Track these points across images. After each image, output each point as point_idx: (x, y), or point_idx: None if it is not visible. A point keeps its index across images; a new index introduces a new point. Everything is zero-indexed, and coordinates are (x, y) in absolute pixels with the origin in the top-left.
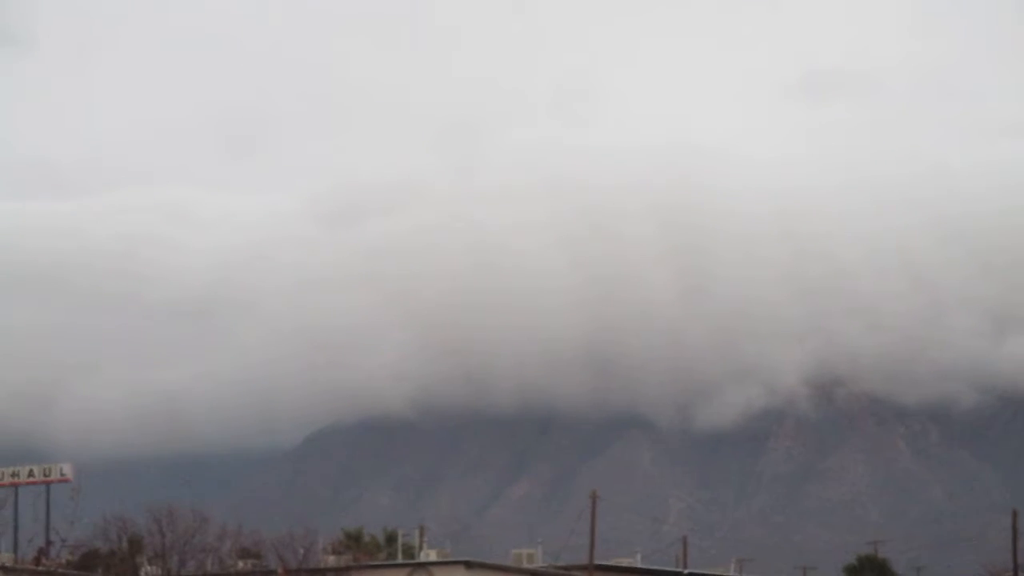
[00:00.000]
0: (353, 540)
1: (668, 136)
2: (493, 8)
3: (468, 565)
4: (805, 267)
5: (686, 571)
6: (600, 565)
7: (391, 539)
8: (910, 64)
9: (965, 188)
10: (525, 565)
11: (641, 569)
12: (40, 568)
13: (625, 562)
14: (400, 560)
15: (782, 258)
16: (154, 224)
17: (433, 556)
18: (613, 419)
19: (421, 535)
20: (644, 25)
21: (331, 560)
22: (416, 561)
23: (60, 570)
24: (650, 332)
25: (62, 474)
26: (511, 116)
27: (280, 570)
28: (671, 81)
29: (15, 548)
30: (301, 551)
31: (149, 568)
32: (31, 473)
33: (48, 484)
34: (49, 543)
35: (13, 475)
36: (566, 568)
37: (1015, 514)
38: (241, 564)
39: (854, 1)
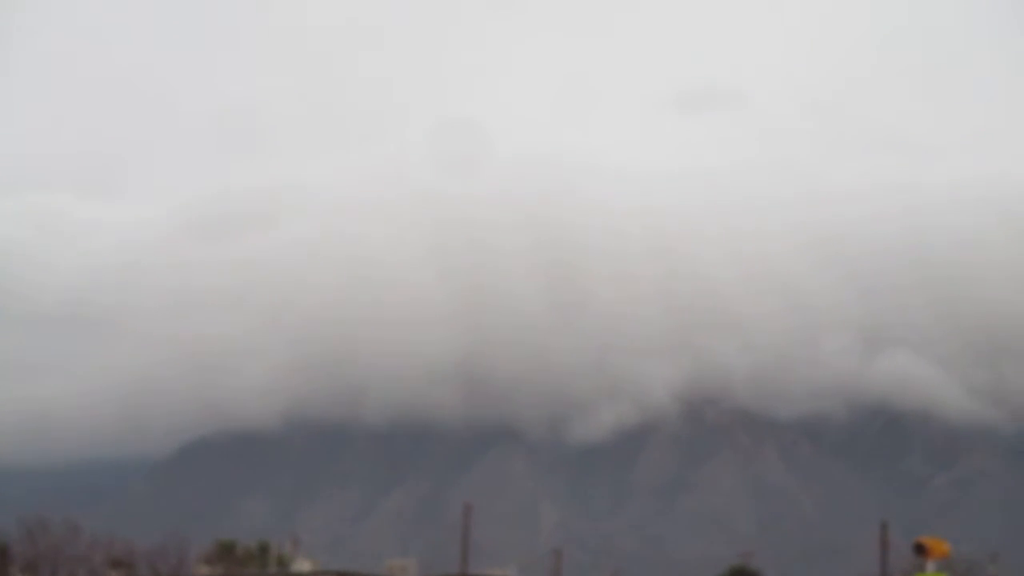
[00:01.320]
0: (226, 550)
1: (541, 150)
2: (372, 19)
3: None
4: (678, 285)
5: None
6: None
7: (264, 550)
8: (783, 81)
9: (838, 211)
10: None
11: None
12: None
13: (499, 573)
14: (273, 570)
15: (655, 275)
16: (22, 234)
17: (307, 567)
18: (486, 432)
19: (295, 546)
20: (518, 37)
21: (204, 570)
22: (289, 572)
23: None
24: (522, 348)
25: None
26: (384, 128)
27: None
28: (546, 94)
29: None
30: (174, 561)
31: None
32: None
33: None
34: None
35: None
36: None
37: (884, 526)
38: (113, 574)
39: (727, 19)
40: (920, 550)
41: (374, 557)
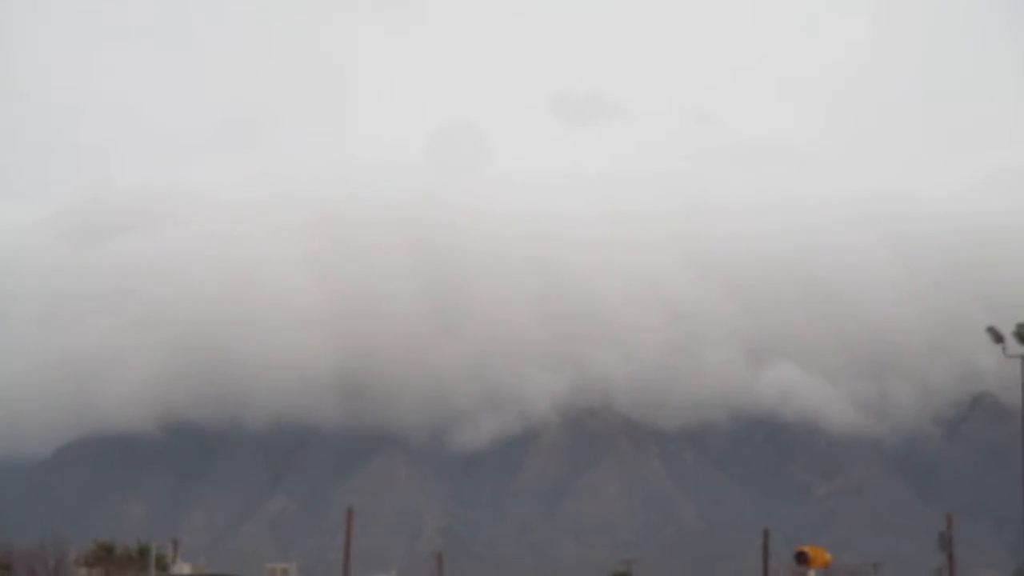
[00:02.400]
0: (106, 552)
1: (420, 156)
2: (249, 25)
3: None
4: (559, 294)
5: None
6: None
7: (144, 552)
8: (666, 92)
9: (720, 223)
10: None
11: None
12: None
13: None
14: (153, 573)
15: (536, 284)
16: None
17: (187, 570)
18: (368, 438)
19: (175, 549)
20: (395, 43)
21: (83, 572)
22: (169, 574)
23: None
24: (402, 356)
25: None
26: (264, 131)
27: None
28: (424, 102)
29: None
30: (52, 563)
31: None
32: None
33: None
34: None
35: None
36: None
37: (766, 534)
38: None
39: (610, 29)
40: (802, 559)
41: (255, 561)
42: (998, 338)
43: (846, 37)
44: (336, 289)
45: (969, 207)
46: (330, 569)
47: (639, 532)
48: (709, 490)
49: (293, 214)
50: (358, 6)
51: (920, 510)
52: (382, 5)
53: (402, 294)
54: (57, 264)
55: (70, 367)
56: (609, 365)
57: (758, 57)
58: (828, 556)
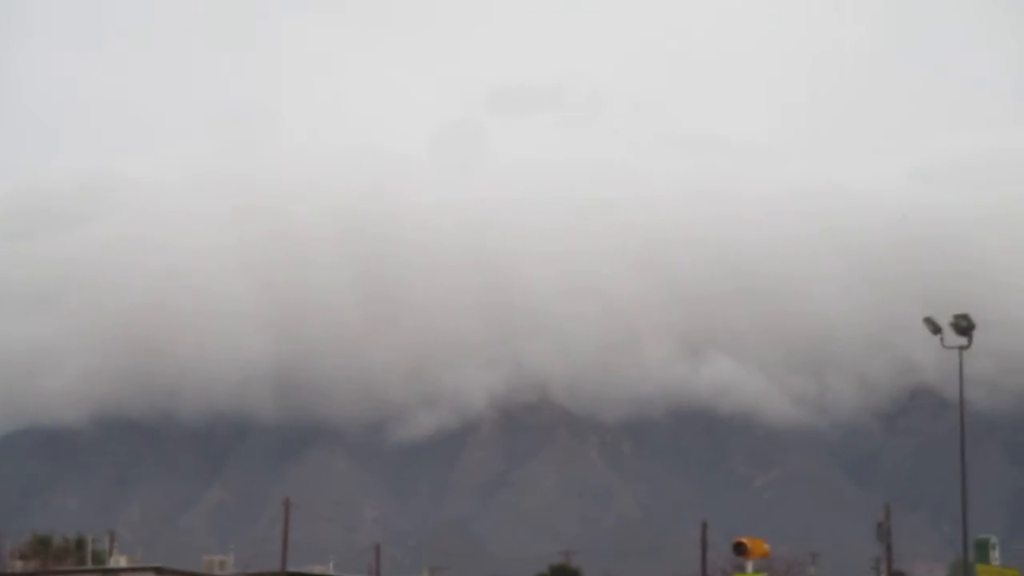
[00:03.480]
0: (42, 545)
1: (355, 148)
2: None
3: (159, 571)
4: (494, 283)
5: None
6: (292, 572)
7: (80, 545)
8: (604, 79)
9: (658, 214)
10: (216, 572)
11: None
12: None
13: (318, 569)
14: (90, 566)
15: (471, 276)
16: None
17: (123, 562)
18: (305, 431)
19: (111, 541)
20: (327, 35)
21: (19, 565)
22: (106, 567)
23: None
24: (338, 351)
25: None
26: (195, 126)
27: None
28: (361, 94)
29: None
30: None
31: None
32: None
33: None
34: None
35: None
36: (258, 575)
37: (704, 525)
38: None
39: (545, 17)
40: (740, 549)
41: (192, 553)
42: (936, 329)
43: (789, 32)
44: (271, 282)
45: (906, 200)
46: (268, 560)
47: (577, 523)
48: (648, 481)
49: (228, 206)
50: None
51: (859, 501)
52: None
53: (337, 285)
54: None
55: (2, 361)
56: (546, 358)
57: (699, 49)
58: (766, 547)
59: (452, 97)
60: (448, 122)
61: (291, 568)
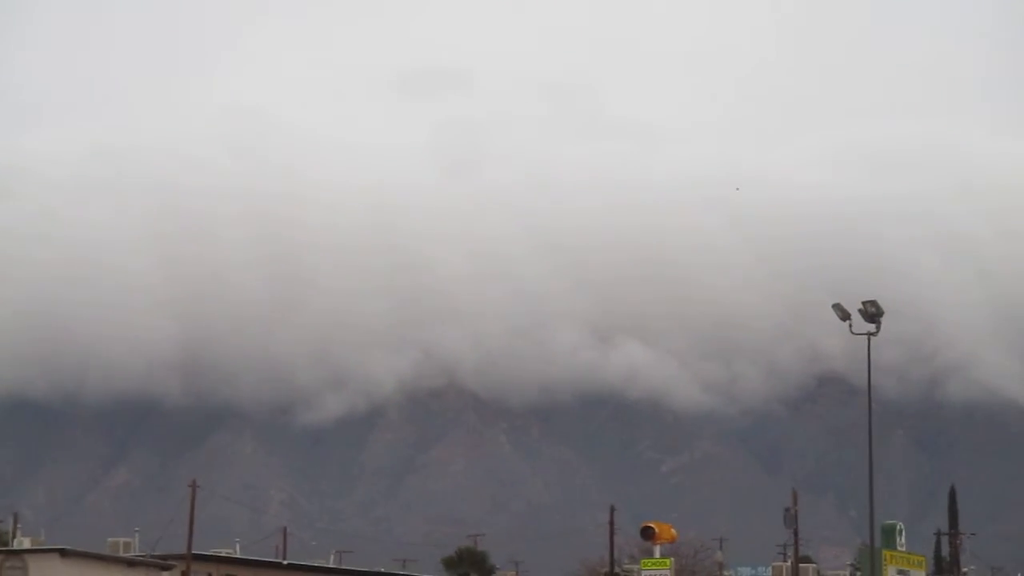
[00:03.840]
0: None
1: (261, 132)
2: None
3: (63, 553)
4: (401, 269)
5: (285, 562)
6: (198, 555)
7: None
8: (511, 62)
9: (566, 200)
10: (121, 554)
11: (240, 559)
12: None
13: (224, 552)
14: None
15: (379, 262)
16: None
17: (27, 544)
18: (212, 414)
19: (15, 523)
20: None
21: None
22: (9, 548)
23: None
24: (245, 336)
25: None
26: (100, 109)
27: None
28: (266, 75)
29: None
30: None
31: None
32: None
33: None
34: None
35: None
36: (163, 557)
37: (612, 510)
38: None
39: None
40: (647, 534)
41: (98, 535)
42: (844, 315)
43: (703, 18)
44: (174, 257)
45: (814, 189)
46: (173, 543)
47: (485, 508)
48: (556, 466)
49: (133, 190)
50: None
51: (766, 487)
52: None
53: (242, 268)
54: None
55: None
56: (455, 342)
57: (607, 25)
58: (674, 531)
59: (359, 78)
60: (355, 102)
61: (197, 551)
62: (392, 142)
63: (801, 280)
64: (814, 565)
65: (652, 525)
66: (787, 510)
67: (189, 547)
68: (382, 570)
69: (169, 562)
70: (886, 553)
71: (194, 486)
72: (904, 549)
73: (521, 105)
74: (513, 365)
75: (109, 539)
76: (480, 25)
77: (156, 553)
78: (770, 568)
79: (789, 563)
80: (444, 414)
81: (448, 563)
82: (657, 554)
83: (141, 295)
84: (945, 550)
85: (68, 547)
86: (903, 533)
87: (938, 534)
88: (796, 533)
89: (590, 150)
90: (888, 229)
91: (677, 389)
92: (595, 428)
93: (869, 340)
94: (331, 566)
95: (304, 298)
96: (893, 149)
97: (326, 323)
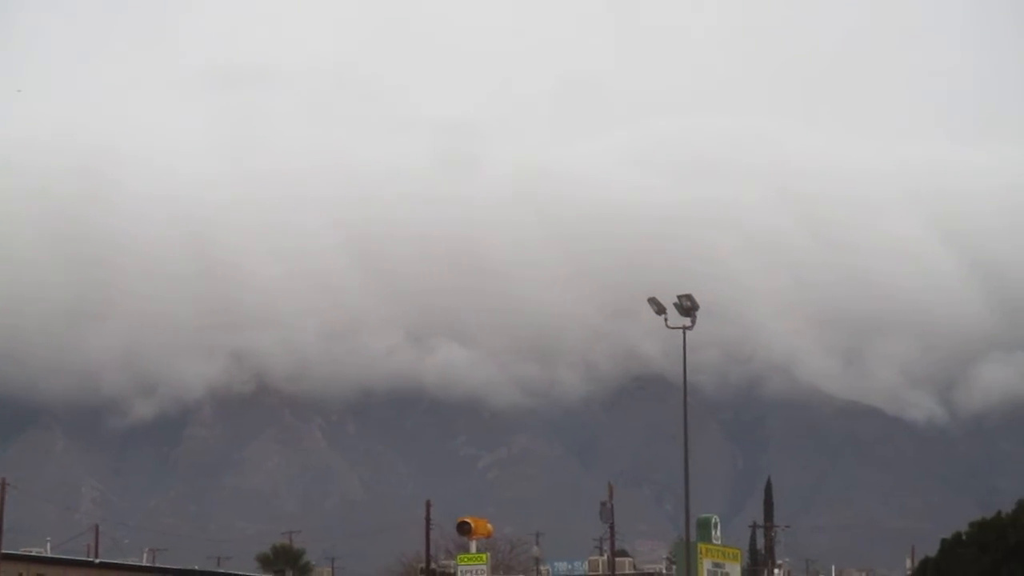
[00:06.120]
0: None
1: (72, 128)
2: None
3: None
4: (214, 278)
5: (97, 560)
6: (8, 554)
7: None
8: (317, 57)
9: (374, 198)
10: None
11: (51, 558)
12: None
13: (35, 551)
14: None
15: (187, 267)
16: None
17: None
18: (21, 413)
19: None
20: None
21: None
22: None
23: None
24: (51, 336)
25: None
26: None
27: None
28: (76, 75)
29: None
30: None
31: None
32: None
33: None
34: None
35: None
36: None
37: (428, 505)
38: None
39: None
40: (463, 529)
41: None
42: (660, 309)
43: (505, 14)
44: None
45: (625, 188)
46: None
47: (301, 503)
48: (372, 462)
49: None
50: None
51: (583, 481)
52: None
53: (46, 272)
54: None
55: None
56: (267, 348)
57: (416, 17)
58: (490, 527)
59: (167, 76)
60: (159, 103)
61: (7, 550)
62: (198, 143)
63: (613, 277)
64: (630, 559)
65: (468, 520)
66: (603, 504)
67: None
68: (196, 568)
69: None
70: (701, 546)
71: (3, 484)
72: (719, 542)
73: (331, 102)
74: (328, 368)
75: None
76: (276, 21)
77: None
78: (586, 562)
79: (605, 557)
80: (259, 409)
81: (263, 560)
82: (473, 549)
83: None
84: (760, 543)
85: None
86: (718, 526)
87: (753, 527)
88: (612, 527)
89: (397, 144)
90: (702, 230)
91: (495, 390)
92: (411, 425)
93: (684, 334)
94: (144, 564)
95: (111, 302)
96: (706, 150)
97: (134, 328)
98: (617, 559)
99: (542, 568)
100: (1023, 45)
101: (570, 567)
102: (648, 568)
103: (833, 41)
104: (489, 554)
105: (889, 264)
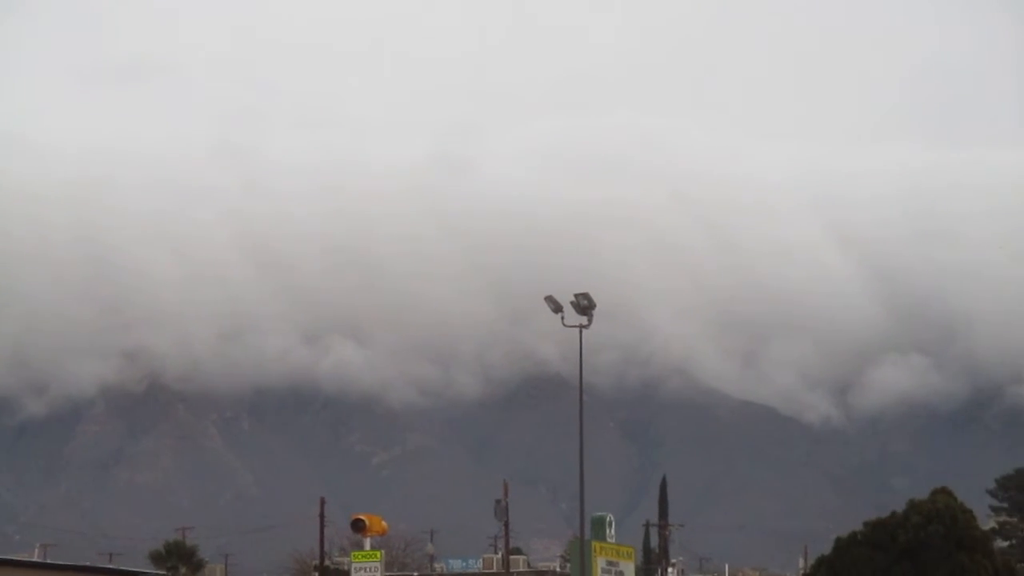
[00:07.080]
0: None
1: None
2: None
3: None
4: (106, 275)
5: None
6: None
7: None
8: (218, 54)
9: (270, 194)
10: None
11: None
12: None
13: None
14: None
15: (82, 264)
16: None
17: None
18: None
19: None
20: None
21: None
22: None
23: None
24: None
25: None
26: None
27: None
28: None
29: None
30: None
31: None
32: None
33: None
34: None
35: None
36: None
37: (322, 502)
38: None
39: None
40: (357, 526)
41: None
42: (557, 307)
43: (409, 13)
44: None
45: (524, 187)
46: None
47: (195, 500)
48: (266, 458)
49: None
50: None
51: (478, 480)
52: None
53: None
54: None
55: None
56: (161, 347)
57: (324, 20)
58: (384, 524)
59: (55, 71)
60: (54, 102)
61: None
62: (92, 140)
63: (516, 281)
64: (525, 557)
65: (362, 517)
66: (498, 502)
67: None
68: (88, 564)
69: None
70: (595, 545)
71: None
72: (614, 540)
73: (227, 97)
74: (223, 367)
75: None
76: (179, 16)
77: None
78: (481, 560)
79: (500, 555)
80: (153, 404)
81: (156, 557)
82: (368, 546)
83: None
84: (654, 541)
85: None
86: (613, 524)
87: (647, 525)
88: (507, 525)
89: (296, 140)
90: (600, 233)
91: (391, 389)
92: (306, 421)
93: (581, 332)
94: (35, 560)
95: (1, 301)
96: (605, 151)
97: (23, 328)
98: (512, 557)
99: (436, 566)
100: (916, 50)
101: (465, 565)
102: (542, 566)
103: (731, 43)
104: (383, 551)
105: (786, 268)
